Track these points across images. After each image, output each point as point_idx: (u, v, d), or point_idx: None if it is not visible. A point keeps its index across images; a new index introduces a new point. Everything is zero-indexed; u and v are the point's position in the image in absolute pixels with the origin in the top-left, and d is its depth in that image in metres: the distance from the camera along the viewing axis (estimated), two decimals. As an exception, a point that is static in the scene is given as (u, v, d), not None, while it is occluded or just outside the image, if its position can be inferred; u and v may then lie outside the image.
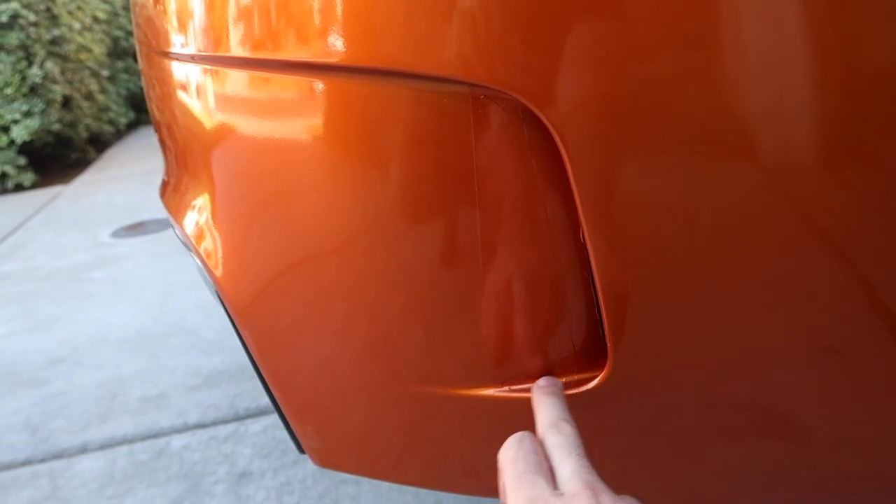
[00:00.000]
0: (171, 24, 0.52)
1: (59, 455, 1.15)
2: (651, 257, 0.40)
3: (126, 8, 4.91)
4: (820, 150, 0.38)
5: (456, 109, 0.40)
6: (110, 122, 4.33)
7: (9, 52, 3.12)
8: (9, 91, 3.13)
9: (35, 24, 3.26)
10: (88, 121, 3.88)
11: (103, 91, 4.26)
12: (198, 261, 0.55)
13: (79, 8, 4.02)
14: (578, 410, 0.43)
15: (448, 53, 0.38)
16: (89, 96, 3.95)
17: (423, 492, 0.98)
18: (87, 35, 4.04)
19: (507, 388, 0.48)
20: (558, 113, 0.38)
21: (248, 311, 0.53)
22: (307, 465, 1.06)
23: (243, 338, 0.55)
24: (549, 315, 0.45)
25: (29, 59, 3.21)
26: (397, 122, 0.41)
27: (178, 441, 1.15)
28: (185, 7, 0.50)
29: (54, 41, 3.47)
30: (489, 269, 0.43)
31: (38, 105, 3.22)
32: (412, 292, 0.45)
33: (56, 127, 3.41)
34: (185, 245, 0.58)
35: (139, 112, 5.02)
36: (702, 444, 0.48)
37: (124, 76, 4.80)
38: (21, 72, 3.16)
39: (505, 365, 0.47)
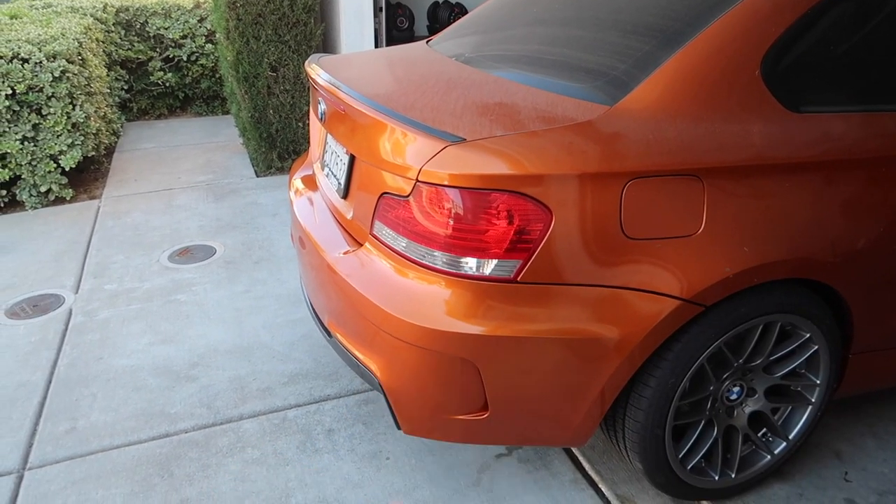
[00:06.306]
0: None
1: (229, 420, 2.30)
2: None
3: (118, 24, 5.62)
4: None
5: None
6: (114, 132, 5.16)
7: (58, 98, 3.97)
8: (58, 128, 4.00)
9: (77, 74, 4.10)
10: (104, 138, 4.74)
11: (109, 105, 5.07)
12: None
13: (94, 40, 4.79)
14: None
15: None
16: (104, 116, 4.79)
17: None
18: (98, 61, 4.83)
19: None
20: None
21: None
22: (360, 425, 2.25)
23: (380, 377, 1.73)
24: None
25: (73, 103, 4.07)
26: None
27: (290, 413, 2.32)
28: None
29: (87, 83, 4.31)
30: None
31: (80, 138, 4.11)
32: None
33: (92, 154, 4.30)
34: None
35: (122, 111, 5.81)
36: None
37: (116, 85, 5.56)
38: (67, 113, 4.02)
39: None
